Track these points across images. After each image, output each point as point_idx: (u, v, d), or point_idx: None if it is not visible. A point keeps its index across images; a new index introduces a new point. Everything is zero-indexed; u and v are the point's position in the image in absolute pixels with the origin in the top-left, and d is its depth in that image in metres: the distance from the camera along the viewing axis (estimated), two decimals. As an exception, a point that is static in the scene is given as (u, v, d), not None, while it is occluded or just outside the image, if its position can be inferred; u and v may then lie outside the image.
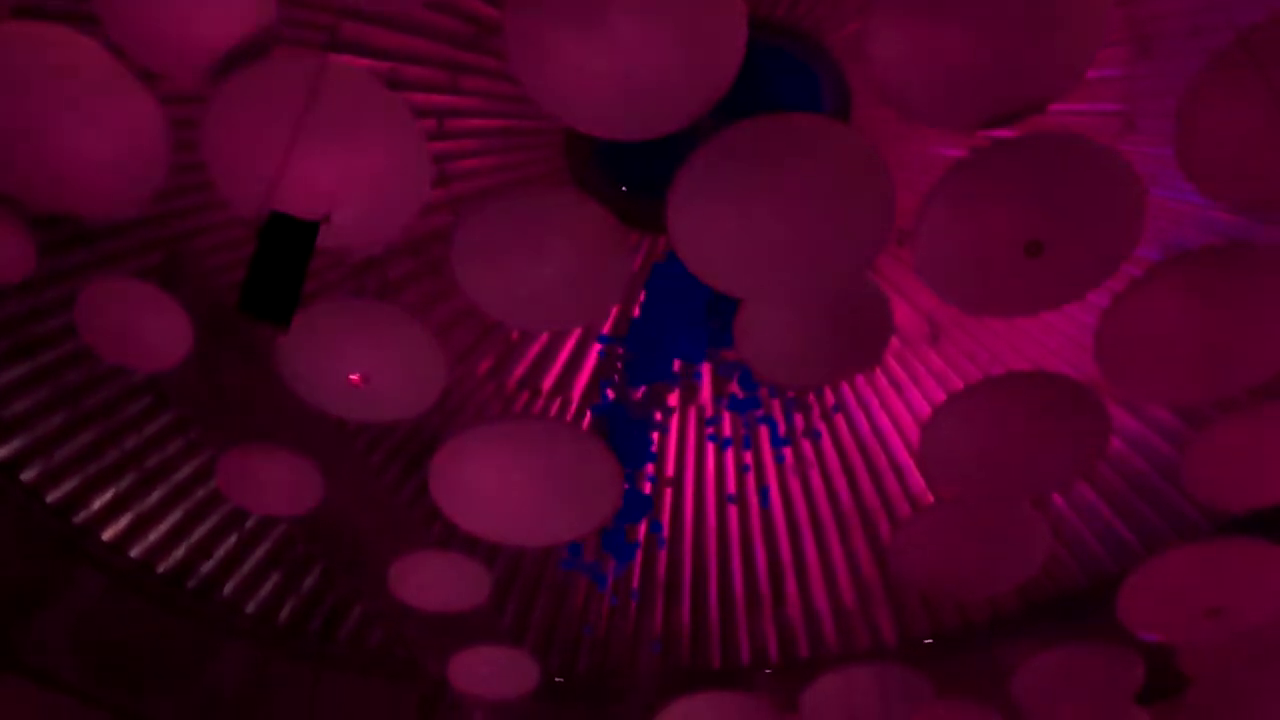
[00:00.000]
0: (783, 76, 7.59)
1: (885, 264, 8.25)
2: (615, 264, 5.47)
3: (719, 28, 4.21)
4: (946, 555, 6.18)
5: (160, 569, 9.14)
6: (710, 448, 9.83)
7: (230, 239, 7.85)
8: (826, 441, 9.70)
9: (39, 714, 8.06)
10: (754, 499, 9.99)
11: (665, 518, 10.10)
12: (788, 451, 9.47)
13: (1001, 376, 5.69)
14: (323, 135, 4.28)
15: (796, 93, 7.68)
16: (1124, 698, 7.27)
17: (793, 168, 4.57)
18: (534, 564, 10.15)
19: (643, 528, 9.57)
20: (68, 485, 8.48)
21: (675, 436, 9.78)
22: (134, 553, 8.96)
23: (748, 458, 9.63)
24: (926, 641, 10.08)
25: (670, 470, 9.94)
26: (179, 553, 9.18)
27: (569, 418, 9.54)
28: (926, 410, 8.08)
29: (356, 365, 5.38)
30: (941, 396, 8.25)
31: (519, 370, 9.38)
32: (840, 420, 9.60)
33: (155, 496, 8.88)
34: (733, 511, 10.15)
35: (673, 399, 9.26)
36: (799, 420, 9.48)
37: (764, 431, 9.28)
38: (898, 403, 9.39)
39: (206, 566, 9.33)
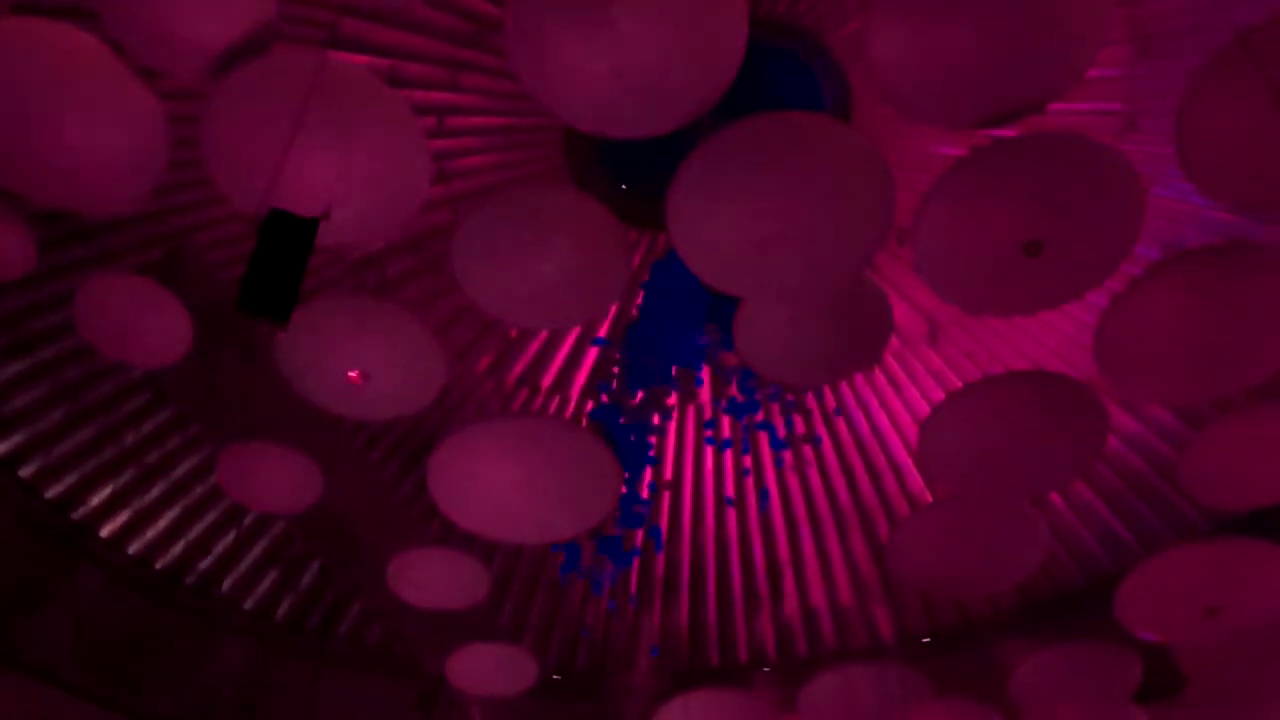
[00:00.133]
0: (783, 75, 7.58)
1: (884, 263, 8.26)
2: (615, 262, 5.47)
3: (719, 26, 4.22)
4: (945, 554, 6.19)
5: (159, 565, 9.13)
6: (709, 447, 9.83)
7: (230, 235, 7.85)
8: (825, 440, 9.70)
9: (37, 710, 8.06)
10: (753, 500, 10.00)
11: (664, 515, 10.11)
12: (787, 455, 9.48)
13: (1000, 376, 5.69)
14: (322, 132, 4.29)
15: (796, 91, 7.68)
16: (1122, 697, 7.28)
17: (792, 166, 4.58)
18: (532, 561, 10.15)
19: (640, 533, 9.57)
20: (66, 481, 8.48)
21: (674, 436, 9.79)
22: (132, 549, 8.96)
23: (747, 461, 9.63)
24: (925, 640, 10.08)
25: (669, 469, 9.94)
26: (177, 549, 9.18)
27: (568, 415, 9.54)
28: (925, 409, 8.08)
29: (355, 362, 5.38)
30: (940, 396, 8.26)
31: (518, 368, 9.38)
32: (839, 419, 9.60)
33: (154, 493, 8.88)
34: (731, 510, 10.16)
35: (671, 399, 9.25)
36: (798, 423, 9.48)
37: (763, 435, 9.30)
38: (896, 402, 9.39)
39: (205, 563, 9.33)
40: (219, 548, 9.33)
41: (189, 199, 7.56)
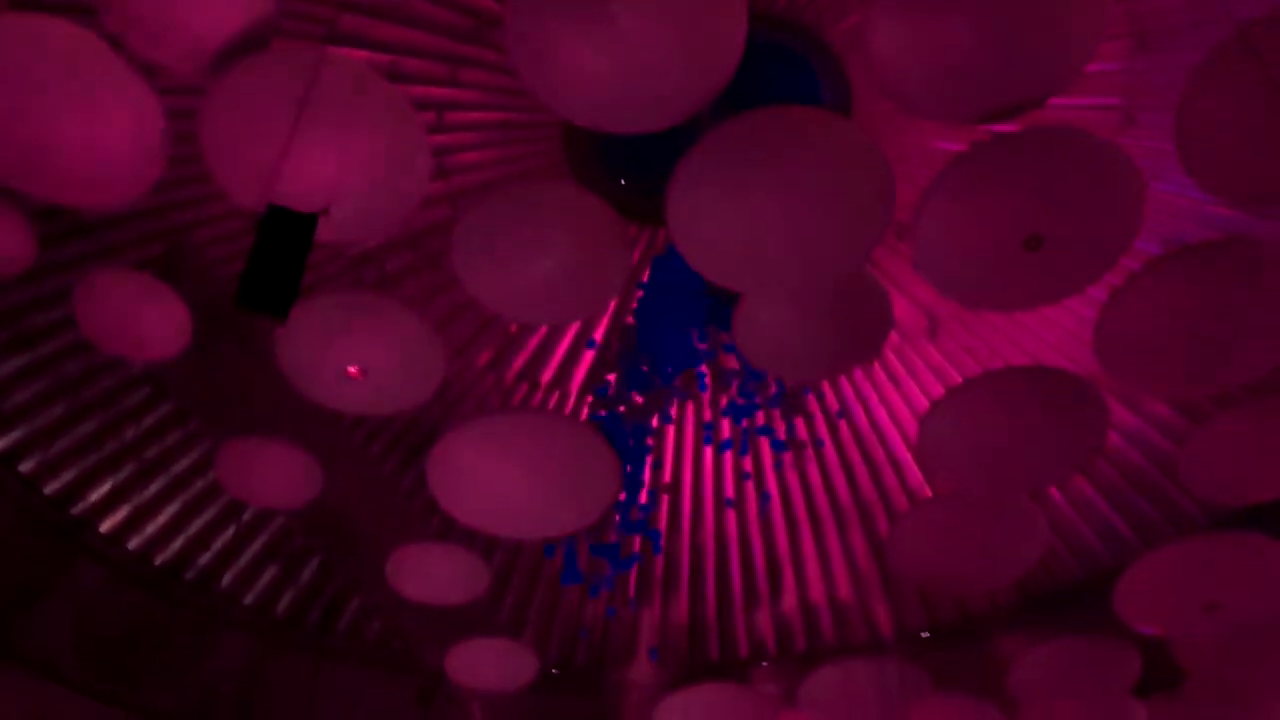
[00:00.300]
0: (783, 70, 7.57)
1: (884, 258, 8.27)
2: (614, 258, 5.46)
3: (719, 21, 4.21)
4: (944, 549, 6.19)
5: (158, 560, 9.14)
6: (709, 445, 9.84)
7: (229, 231, 7.85)
8: (824, 436, 9.70)
9: (37, 705, 8.07)
10: (753, 499, 10.01)
11: (664, 511, 10.11)
12: (787, 456, 9.50)
13: (1000, 371, 5.69)
14: (321, 128, 4.28)
15: (796, 86, 7.67)
16: (1121, 691, 7.30)
17: (792, 161, 4.57)
18: (532, 556, 10.16)
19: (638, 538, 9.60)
20: (66, 476, 8.49)
21: (674, 432, 9.79)
22: (132, 544, 8.97)
23: (747, 464, 9.65)
24: (924, 635, 10.09)
25: (669, 464, 9.95)
26: (177, 544, 9.19)
27: (567, 411, 9.54)
28: (924, 404, 8.08)
29: (355, 358, 5.38)
30: (940, 391, 8.27)
31: (518, 363, 9.38)
32: (839, 416, 9.60)
33: (154, 488, 8.88)
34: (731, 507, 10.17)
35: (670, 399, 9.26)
36: (798, 423, 9.49)
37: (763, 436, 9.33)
38: (896, 397, 9.39)
39: (205, 558, 9.35)
40: (218, 543, 9.34)
41: (188, 195, 7.56)
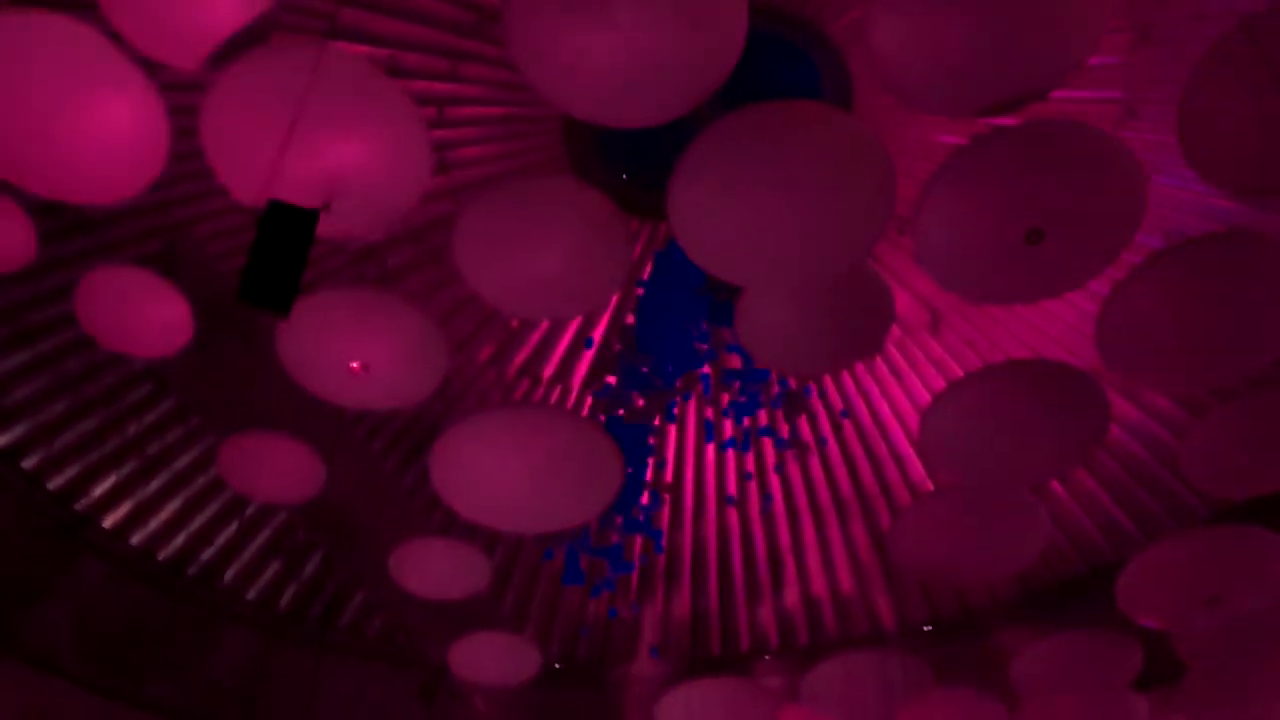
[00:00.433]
0: (784, 64, 7.57)
1: (885, 252, 8.26)
2: (615, 252, 5.46)
3: (720, 15, 4.20)
4: (946, 542, 6.20)
5: (161, 556, 9.16)
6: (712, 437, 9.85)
7: (230, 226, 7.85)
8: (827, 429, 9.71)
9: (39, 700, 8.08)
10: (754, 496, 10.02)
11: (666, 506, 10.12)
12: (789, 454, 9.52)
13: (1001, 364, 5.68)
14: (322, 123, 4.27)
15: (797, 80, 7.66)
16: (1122, 684, 7.30)
17: (793, 155, 4.56)
18: (534, 551, 10.17)
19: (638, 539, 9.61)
20: (69, 472, 8.50)
21: (676, 429, 9.79)
22: (135, 540, 8.98)
23: (749, 464, 9.66)
24: (926, 628, 10.11)
25: (671, 459, 9.95)
26: (180, 540, 9.20)
27: (569, 406, 9.55)
28: (926, 398, 8.09)
29: (357, 353, 5.38)
30: (941, 384, 8.27)
31: (519, 358, 9.39)
32: (840, 411, 9.61)
33: (156, 484, 8.90)
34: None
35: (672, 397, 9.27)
36: (801, 422, 9.50)
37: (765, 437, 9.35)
38: (898, 390, 9.40)
39: (207, 554, 9.36)
40: (221, 538, 9.36)
41: (189, 190, 7.56)
